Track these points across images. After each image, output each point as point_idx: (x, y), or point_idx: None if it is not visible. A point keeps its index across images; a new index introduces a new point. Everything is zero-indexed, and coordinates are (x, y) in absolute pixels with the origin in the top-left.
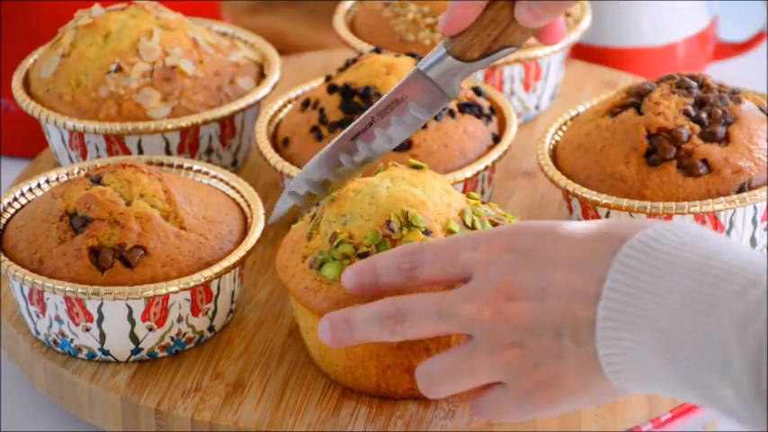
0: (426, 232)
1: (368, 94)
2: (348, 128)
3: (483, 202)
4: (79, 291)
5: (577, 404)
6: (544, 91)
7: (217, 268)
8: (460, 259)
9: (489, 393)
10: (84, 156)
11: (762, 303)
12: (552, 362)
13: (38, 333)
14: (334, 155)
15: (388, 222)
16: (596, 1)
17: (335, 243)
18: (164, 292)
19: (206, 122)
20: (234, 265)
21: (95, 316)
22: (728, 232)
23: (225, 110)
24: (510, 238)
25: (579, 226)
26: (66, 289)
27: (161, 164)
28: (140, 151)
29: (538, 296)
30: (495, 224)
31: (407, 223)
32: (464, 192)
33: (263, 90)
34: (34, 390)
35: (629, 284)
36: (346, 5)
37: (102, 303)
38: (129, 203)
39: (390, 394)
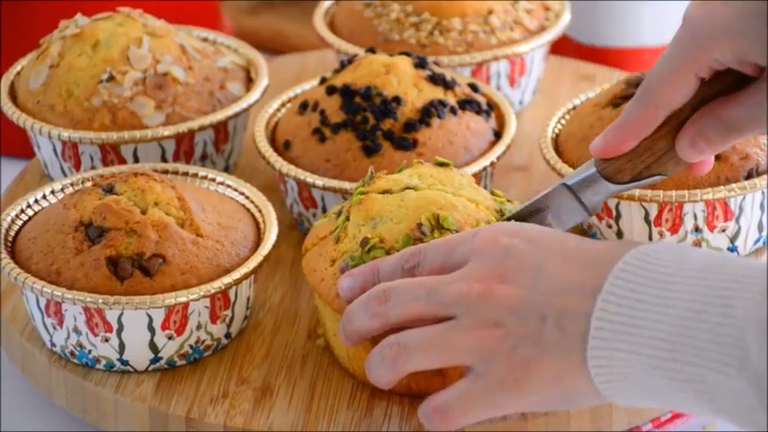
0: None
1: (369, 94)
2: None
3: (507, 200)
4: (100, 301)
5: (545, 399)
6: (528, 86)
7: (236, 275)
8: (460, 249)
9: (455, 386)
10: (77, 166)
11: None
12: (530, 346)
13: (53, 345)
14: None
15: (420, 225)
16: (596, 1)
17: (367, 248)
18: (185, 299)
19: (202, 128)
20: (252, 271)
21: (115, 326)
22: (738, 218)
23: (220, 115)
24: (512, 228)
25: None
26: (87, 299)
27: (166, 171)
28: (136, 160)
29: (530, 282)
30: None
31: (438, 226)
32: None
33: (255, 94)
34: (34, 390)
35: (624, 296)
36: (324, 6)
37: (122, 313)
38: (144, 212)
39: (422, 395)
